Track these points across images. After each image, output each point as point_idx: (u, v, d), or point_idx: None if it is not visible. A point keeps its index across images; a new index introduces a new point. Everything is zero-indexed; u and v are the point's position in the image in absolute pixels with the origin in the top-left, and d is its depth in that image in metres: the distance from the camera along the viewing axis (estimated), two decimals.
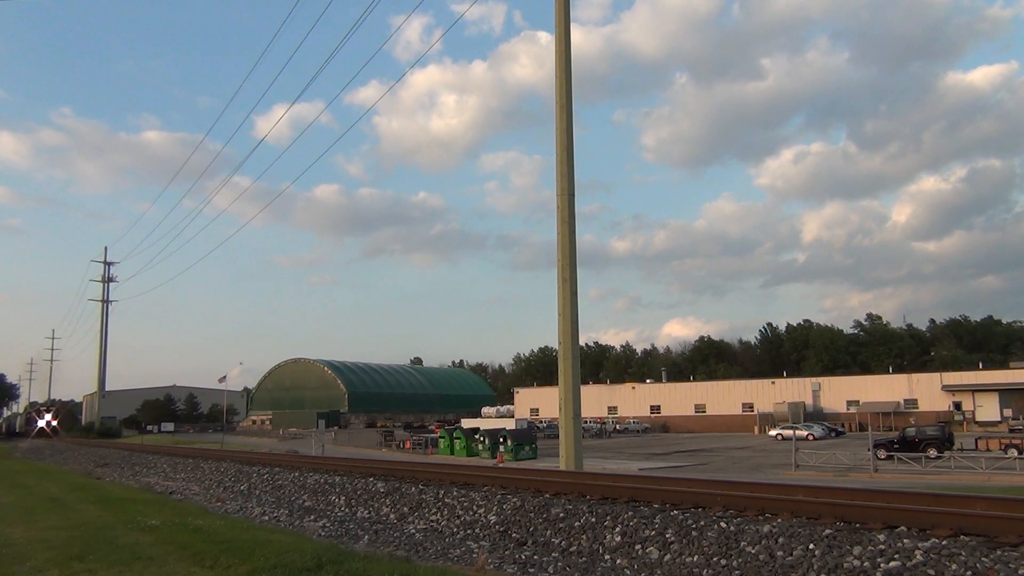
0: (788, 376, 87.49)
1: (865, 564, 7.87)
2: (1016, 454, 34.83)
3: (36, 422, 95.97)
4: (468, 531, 12.39)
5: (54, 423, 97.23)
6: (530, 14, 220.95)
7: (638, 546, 9.99)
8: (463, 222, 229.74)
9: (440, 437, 52.36)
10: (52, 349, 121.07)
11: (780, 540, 8.89)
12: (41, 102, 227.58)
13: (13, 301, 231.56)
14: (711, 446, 55.57)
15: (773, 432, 64.68)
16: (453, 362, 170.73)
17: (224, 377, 73.62)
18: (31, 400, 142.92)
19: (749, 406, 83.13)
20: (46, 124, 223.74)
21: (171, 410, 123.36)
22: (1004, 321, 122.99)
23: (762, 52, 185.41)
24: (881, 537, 8.36)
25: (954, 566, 7.39)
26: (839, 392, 79.82)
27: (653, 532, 10.13)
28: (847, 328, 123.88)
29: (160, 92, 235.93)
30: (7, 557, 9.55)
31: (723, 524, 9.74)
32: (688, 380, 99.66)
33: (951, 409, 71.32)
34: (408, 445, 58.16)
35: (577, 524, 11.12)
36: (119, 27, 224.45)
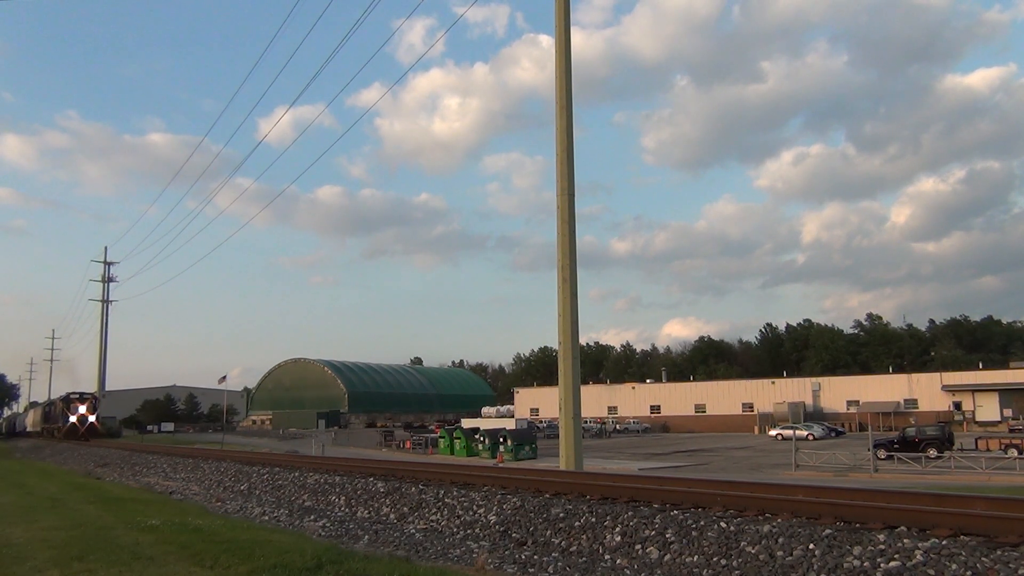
0: (788, 376, 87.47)
1: (865, 564, 7.87)
2: (1016, 454, 34.84)
3: (68, 417, 68.91)
4: (468, 531, 12.38)
5: (91, 419, 69.23)
6: (532, 17, 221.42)
7: (638, 546, 9.98)
8: (464, 223, 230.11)
9: (440, 437, 52.35)
10: (52, 349, 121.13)
11: (780, 540, 8.89)
12: (46, 104, 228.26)
13: (15, 301, 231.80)
14: (711, 446, 55.56)
15: (773, 432, 64.68)
16: (453, 362, 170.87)
17: (224, 377, 73.30)
18: (31, 400, 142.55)
19: (749, 406, 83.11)
20: (51, 126, 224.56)
21: (171, 410, 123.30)
22: (1004, 321, 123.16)
23: (762, 55, 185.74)
24: (881, 537, 8.36)
25: (954, 566, 7.38)
26: (839, 392, 79.80)
27: (653, 532, 10.12)
28: (847, 328, 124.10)
29: (164, 95, 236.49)
30: (7, 557, 9.54)
31: (723, 524, 9.73)
32: (688, 380, 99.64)
33: (951, 409, 71.30)
34: (408, 445, 58.16)
35: (577, 524, 11.12)
36: (124, 30, 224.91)
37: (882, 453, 36.90)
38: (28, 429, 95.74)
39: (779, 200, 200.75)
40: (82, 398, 70.80)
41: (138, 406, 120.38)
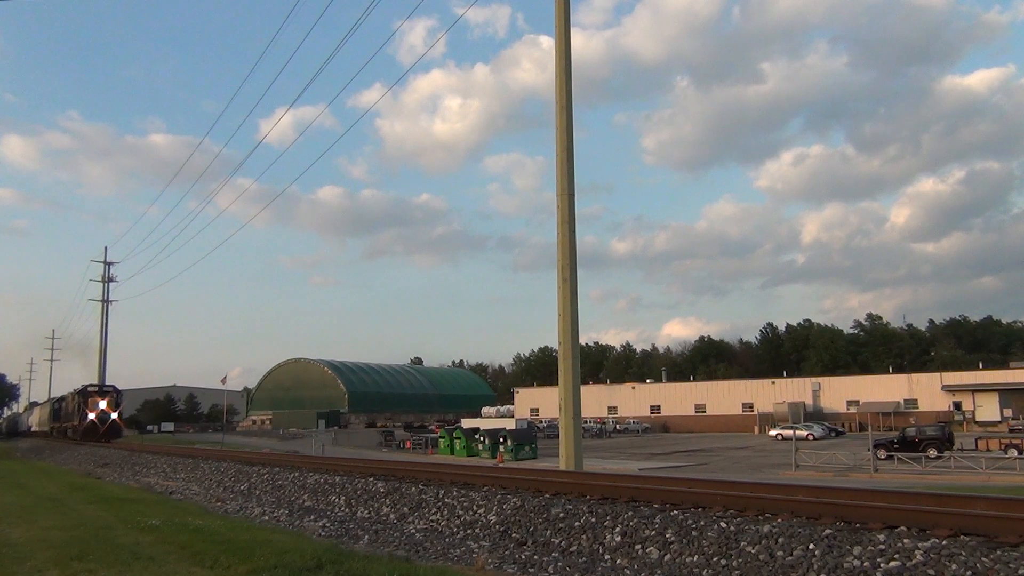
0: (788, 376, 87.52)
1: (865, 564, 7.87)
2: (1016, 454, 34.85)
3: (86, 414, 58.92)
4: (468, 531, 12.38)
5: (113, 416, 59.27)
6: (532, 18, 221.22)
7: (638, 546, 9.98)
8: (465, 223, 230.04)
9: (440, 437, 52.37)
10: (52, 349, 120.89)
11: (780, 540, 8.89)
12: (49, 105, 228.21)
13: (16, 302, 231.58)
14: (711, 446, 55.57)
15: (773, 432, 64.69)
16: (453, 362, 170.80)
17: (225, 377, 73.37)
18: (31, 400, 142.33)
19: (749, 406, 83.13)
20: (53, 127, 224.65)
21: (171, 410, 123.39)
22: (1004, 321, 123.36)
23: (762, 56, 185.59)
24: (881, 537, 8.36)
25: (954, 566, 7.38)
26: (839, 392, 79.83)
27: (653, 532, 10.12)
28: (847, 328, 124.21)
29: (166, 95, 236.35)
30: (7, 557, 9.55)
31: (723, 524, 9.73)
32: (688, 380, 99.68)
33: (951, 409, 71.32)
34: (408, 445, 58.22)
35: (577, 524, 11.12)
36: (125, 31, 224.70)
37: (882, 453, 36.90)
38: (33, 428, 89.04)
39: (779, 200, 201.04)
40: (102, 392, 60.76)
41: (138, 406, 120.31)
